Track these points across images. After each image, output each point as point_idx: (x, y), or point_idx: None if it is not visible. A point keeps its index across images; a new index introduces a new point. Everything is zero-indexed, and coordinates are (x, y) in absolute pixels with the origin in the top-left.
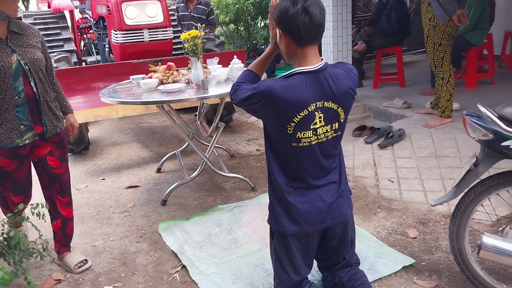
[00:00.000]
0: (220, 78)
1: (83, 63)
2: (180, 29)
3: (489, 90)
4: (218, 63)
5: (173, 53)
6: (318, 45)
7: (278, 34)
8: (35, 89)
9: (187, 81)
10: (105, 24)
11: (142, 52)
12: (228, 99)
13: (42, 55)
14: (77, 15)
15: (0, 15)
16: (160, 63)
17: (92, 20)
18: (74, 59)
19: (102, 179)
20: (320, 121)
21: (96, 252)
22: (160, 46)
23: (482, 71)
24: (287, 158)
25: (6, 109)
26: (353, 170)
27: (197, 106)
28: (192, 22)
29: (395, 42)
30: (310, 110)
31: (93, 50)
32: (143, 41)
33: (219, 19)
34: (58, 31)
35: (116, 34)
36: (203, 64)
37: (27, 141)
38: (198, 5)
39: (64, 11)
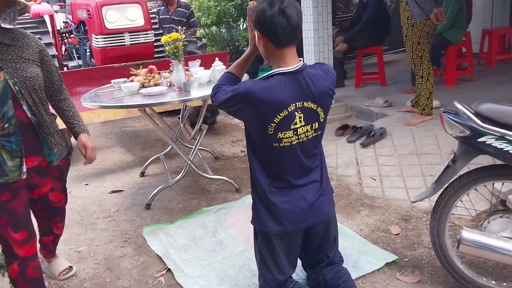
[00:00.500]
0: (202, 80)
1: (65, 68)
2: (161, 32)
3: (468, 87)
4: (200, 65)
5: (154, 56)
6: (298, 46)
7: (256, 36)
8: (29, 114)
9: (169, 84)
10: (86, 28)
11: (123, 56)
12: (210, 101)
13: (40, 69)
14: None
15: None
16: (141, 66)
17: (73, 24)
18: (56, 64)
19: (86, 184)
20: (300, 121)
21: (81, 258)
22: (141, 50)
23: (461, 68)
24: (269, 158)
25: None
26: (336, 169)
27: (181, 109)
28: (173, 25)
29: (376, 42)
30: (290, 110)
31: (75, 54)
32: (124, 45)
33: (201, 22)
34: (38, 36)
35: (97, 38)
36: (185, 67)
37: (17, 178)
38: (178, 8)
39: (44, 16)
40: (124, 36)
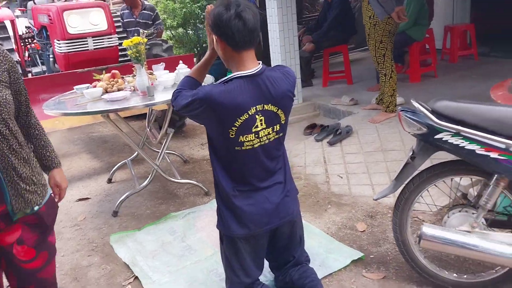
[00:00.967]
0: (166, 83)
1: (29, 74)
2: (126, 35)
3: (432, 83)
4: (166, 68)
5: (119, 60)
6: (264, 47)
7: (214, 39)
8: None
9: (132, 88)
10: (48, 33)
11: (87, 61)
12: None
13: (10, 92)
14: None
15: None
16: (104, 71)
17: (35, 29)
18: (19, 70)
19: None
20: (261, 124)
21: None
22: (105, 54)
23: (425, 65)
24: (231, 162)
25: None
26: (304, 168)
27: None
28: (139, 28)
29: (341, 41)
30: (250, 113)
31: (38, 60)
32: (88, 50)
33: (167, 24)
34: None
35: (59, 44)
36: (149, 70)
37: None
38: (143, 11)
39: (5, 21)
40: (87, 40)
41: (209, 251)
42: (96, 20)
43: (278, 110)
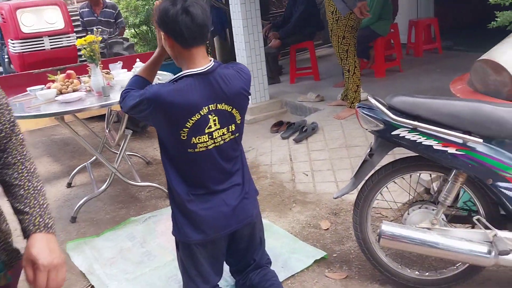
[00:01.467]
0: (124, 83)
1: None
2: (85, 35)
3: (397, 78)
4: (124, 67)
5: (80, 60)
6: (227, 45)
7: (162, 36)
8: None
9: (88, 89)
10: (2, 33)
11: (44, 61)
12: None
13: None
14: None
15: None
16: (59, 72)
17: None
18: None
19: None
20: (215, 124)
21: None
22: (63, 54)
23: (390, 60)
24: (185, 165)
25: None
26: (271, 166)
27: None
28: (101, 27)
29: (307, 37)
30: (202, 113)
31: None
32: (44, 49)
33: (129, 22)
34: None
35: (14, 44)
36: (105, 70)
37: None
38: (105, 9)
39: None
40: (43, 40)
41: (168, 256)
42: (52, 19)
43: (232, 109)
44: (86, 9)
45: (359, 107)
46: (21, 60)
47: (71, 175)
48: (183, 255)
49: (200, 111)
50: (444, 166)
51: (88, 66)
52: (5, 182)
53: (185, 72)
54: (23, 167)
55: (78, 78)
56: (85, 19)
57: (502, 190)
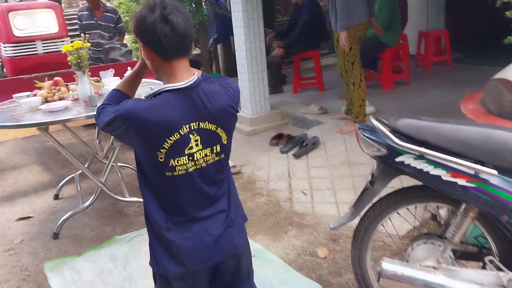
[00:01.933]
0: None
1: None
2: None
3: (405, 91)
4: (117, 75)
5: None
6: (230, 54)
7: (140, 47)
8: None
9: (76, 97)
10: None
11: (36, 66)
12: None
13: None
14: None
15: None
16: (46, 78)
17: None
18: None
19: None
20: (196, 145)
21: None
22: (57, 59)
23: (398, 71)
24: (163, 190)
25: None
26: (267, 183)
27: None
28: (100, 31)
29: (312, 46)
30: (182, 133)
31: None
32: (37, 54)
33: (129, 26)
34: None
35: (5, 47)
36: (95, 78)
37: None
38: (105, 13)
39: None
40: (36, 44)
41: (150, 282)
42: (46, 22)
43: (217, 128)
44: (86, 12)
45: (360, 128)
46: (13, 65)
47: (59, 186)
48: None
49: (180, 130)
50: (453, 198)
51: (75, 74)
52: None
53: (165, 87)
54: None
55: (66, 85)
56: (84, 22)
57: None
